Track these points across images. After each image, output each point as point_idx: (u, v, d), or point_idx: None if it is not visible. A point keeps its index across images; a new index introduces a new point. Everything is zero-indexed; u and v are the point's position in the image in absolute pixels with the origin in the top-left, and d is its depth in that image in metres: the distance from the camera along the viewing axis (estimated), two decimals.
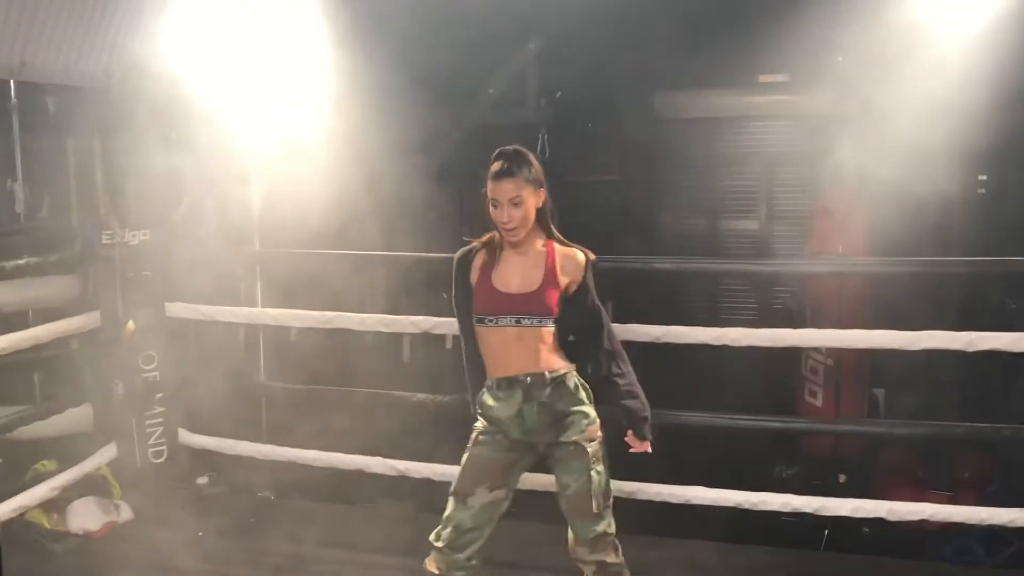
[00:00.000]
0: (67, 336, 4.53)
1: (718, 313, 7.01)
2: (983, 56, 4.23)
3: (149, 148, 4.43)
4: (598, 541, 2.95)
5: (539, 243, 3.00)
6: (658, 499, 3.89)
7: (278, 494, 4.83)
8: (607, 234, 6.21)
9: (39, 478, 4.24)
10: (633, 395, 3.06)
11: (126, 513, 4.41)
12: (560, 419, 2.94)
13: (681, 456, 4.66)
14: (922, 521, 3.75)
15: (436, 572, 2.97)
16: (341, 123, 4.73)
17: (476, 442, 3.01)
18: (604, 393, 3.05)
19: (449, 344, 4.76)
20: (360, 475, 4.36)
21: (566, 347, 3.01)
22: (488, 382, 3.01)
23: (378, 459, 4.24)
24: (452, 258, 3.10)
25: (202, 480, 4.77)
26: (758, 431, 4.45)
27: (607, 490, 2.96)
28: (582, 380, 3.00)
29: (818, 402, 5.93)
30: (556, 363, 2.95)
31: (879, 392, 6.29)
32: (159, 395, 4.63)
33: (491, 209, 2.93)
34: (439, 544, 2.96)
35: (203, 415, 4.57)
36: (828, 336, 4.48)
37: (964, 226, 5.84)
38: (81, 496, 4.33)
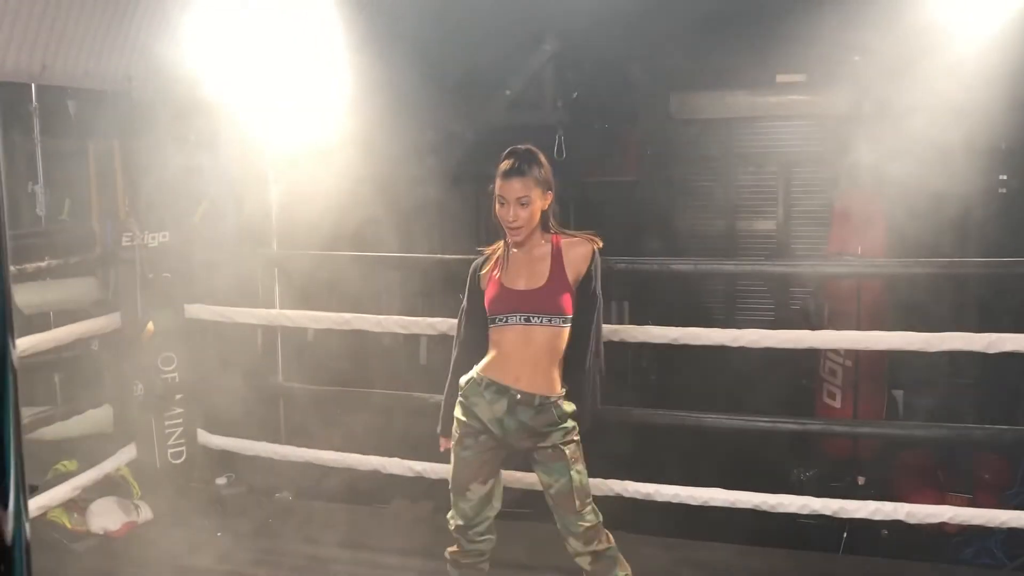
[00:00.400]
0: (87, 337, 4.57)
1: (735, 314, 6.98)
2: (1001, 56, 4.20)
3: (168, 150, 4.46)
4: (587, 534, 3.01)
5: (543, 239, 3.03)
6: (676, 501, 3.88)
7: (296, 495, 4.85)
8: (624, 235, 6.22)
9: (60, 478, 4.27)
10: (581, 399, 3.06)
11: (146, 513, 4.43)
12: (537, 433, 2.99)
13: (699, 458, 4.66)
14: (941, 524, 3.74)
15: (456, 550, 3.10)
16: (358, 125, 4.76)
17: (462, 445, 3.05)
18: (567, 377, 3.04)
19: None
20: (377, 476, 4.38)
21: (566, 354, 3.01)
22: (478, 377, 3.01)
23: (395, 460, 4.25)
24: (469, 260, 3.17)
25: (221, 481, 4.79)
26: (776, 433, 4.43)
27: (587, 488, 3.04)
28: (568, 407, 3.00)
29: (836, 404, 5.89)
30: (550, 387, 2.96)
31: (898, 394, 6.25)
32: (178, 396, 4.65)
33: (497, 206, 2.96)
34: (458, 522, 3.07)
35: (222, 416, 4.59)
36: (847, 338, 4.47)
37: (984, 226, 5.79)
38: (101, 496, 4.36)
